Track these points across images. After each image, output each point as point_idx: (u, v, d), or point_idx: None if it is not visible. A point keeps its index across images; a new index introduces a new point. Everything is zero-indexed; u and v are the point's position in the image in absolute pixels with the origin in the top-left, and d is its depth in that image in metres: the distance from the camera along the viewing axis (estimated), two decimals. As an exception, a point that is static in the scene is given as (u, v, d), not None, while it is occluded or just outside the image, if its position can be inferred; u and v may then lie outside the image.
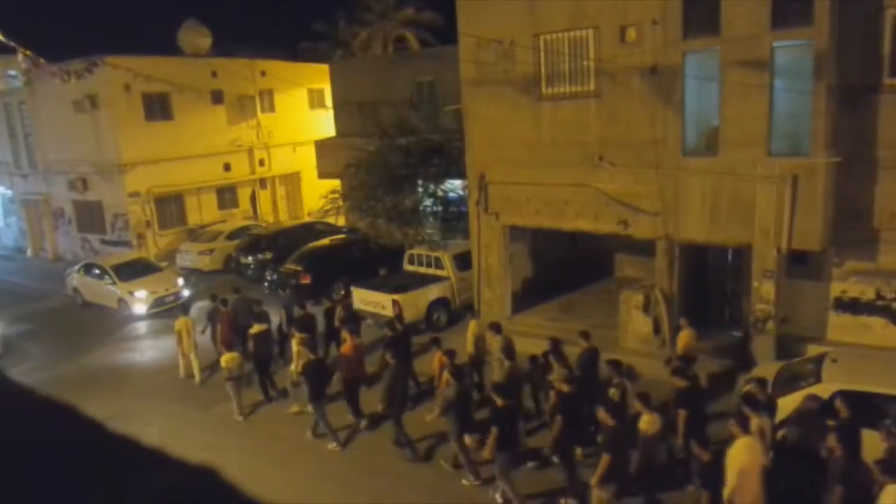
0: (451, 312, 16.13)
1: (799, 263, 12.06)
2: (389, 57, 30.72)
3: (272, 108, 27.97)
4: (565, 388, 9.19)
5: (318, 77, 27.44)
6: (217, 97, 26.04)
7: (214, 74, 25.74)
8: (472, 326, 12.44)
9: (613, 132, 12.71)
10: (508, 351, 10.81)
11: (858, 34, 10.77)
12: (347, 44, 35.94)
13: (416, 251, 17.18)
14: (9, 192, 29.26)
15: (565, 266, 16.74)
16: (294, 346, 12.08)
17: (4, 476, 11.20)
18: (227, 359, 12.43)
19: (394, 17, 35.43)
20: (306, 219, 26.64)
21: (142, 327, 18.24)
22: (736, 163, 11.39)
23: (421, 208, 17.50)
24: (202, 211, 25.82)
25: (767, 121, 11.02)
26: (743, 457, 7.17)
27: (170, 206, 25.09)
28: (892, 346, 11.29)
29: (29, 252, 28.54)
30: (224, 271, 21.90)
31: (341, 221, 21.82)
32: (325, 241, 20.03)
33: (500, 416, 8.73)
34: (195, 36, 27.22)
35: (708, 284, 13.81)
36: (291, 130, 28.15)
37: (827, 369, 9.25)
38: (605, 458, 7.85)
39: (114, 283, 19.18)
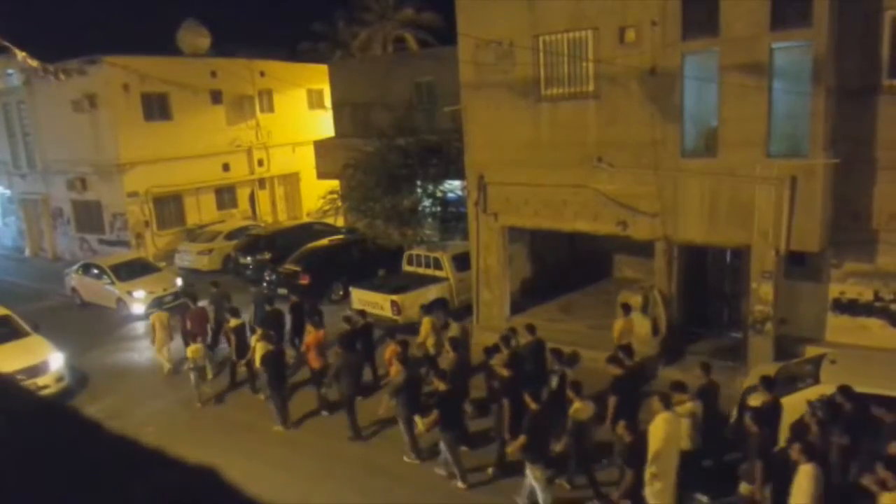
0: (450, 313, 16.11)
1: (797, 264, 12.07)
2: (389, 57, 30.73)
3: (271, 109, 27.95)
4: (505, 372, 10.08)
5: (318, 77, 27.43)
6: (216, 97, 26.02)
7: (213, 74, 25.72)
8: (425, 322, 12.91)
9: (612, 133, 12.71)
10: (454, 342, 11.33)
11: (857, 36, 10.78)
12: (347, 44, 35.95)
13: (414, 252, 17.17)
14: (7, 192, 29.22)
15: (564, 267, 16.75)
16: (253, 341, 12.73)
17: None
18: (192, 350, 13.24)
19: (393, 17, 35.45)
20: (305, 219, 26.60)
21: (140, 327, 18.20)
22: (735, 164, 11.40)
23: (420, 209, 17.51)
24: (201, 211, 25.80)
25: (766, 122, 11.03)
26: (661, 431, 7.79)
27: (168, 206, 25.07)
28: (891, 347, 11.30)
29: (27, 252, 28.50)
30: (223, 271, 21.87)
31: (340, 222, 21.81)
32: (324, 241, 20.02)
33: (442, 400, 9.64)
34: (194, 36, 27.20)
35: (707, 285, 13.82)
36: (290, 131, 28.13)
37: (825, 370, 9.26)
38: (521, 438, 8.63)
39: (112, 283, 19.16)
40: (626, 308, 12.16)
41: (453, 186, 17.70)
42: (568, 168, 13.25)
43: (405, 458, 9.83)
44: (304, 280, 17.78)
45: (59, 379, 13.71)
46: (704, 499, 8.78)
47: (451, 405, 9.69)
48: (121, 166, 23.51)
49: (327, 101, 26.59)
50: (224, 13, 32.63)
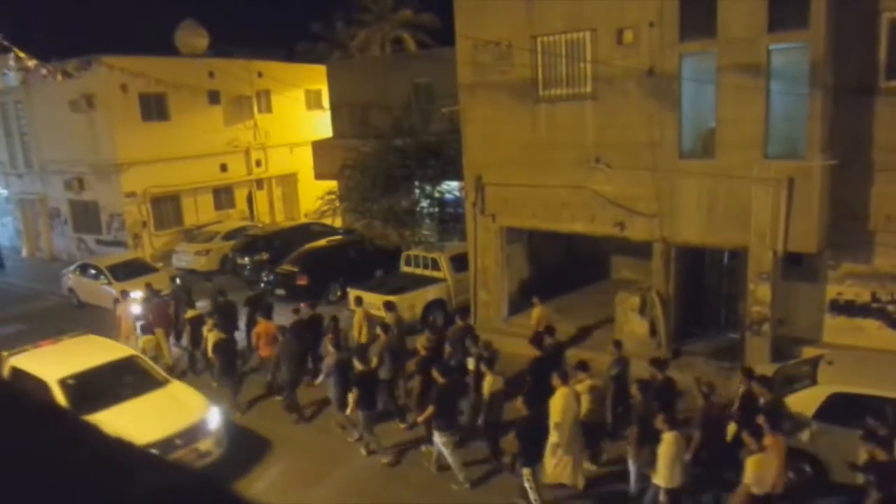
0: (448, 314, 16.12)
1: (795, 266, 12.09)
2: (387, 58, 30.73)
3: (269, 109, 27.92)
4: (423, 351, 11.28)
5: (316, 78, 27.40)
6: (214, 98, 25.99)
7: (211, 75, 25.68)
8: (358, 312, 13.58)
9: (610, 134, 12.72)
10: (385, 327, 12.08)
11: (855, 37, 10.80)
12: (345, 45, 35.95)
13: (412, 252, 17.16)
14: (4, 192, 29.16)
15: (562, 268, 16.75)
16: (205, 331, 13.34)
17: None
18: (145, 340, 14.49)
19: (391, 18, 35.47)
20: (303, 220, 26.55)
21: (138, 327, 18.15)
22: (732, 165, 11.41)
23: (417, 210, 17.52)
24: (198, 211, 25.76)
25: (764, 123, 11.05)
26: (559, 405, 8.79)
27: (166, 207, 25.03)
28: (888, 349, 11.32)
29: (24, 252, 28.45)
30: (220, 272, 21.84)
31: (338, 222, 21.81)
32: (322, 242, 20.00)
33: (359, 381, 10.44)
34: (192, 36, 27.16)
35: (704, 286, 13.83)
36: (288, 131, 28.11)
37: (822, 371, 9.27)
38: (430, 408, 9.61)
39: (109, 283, 19.12)
40: (537, 298, 13.24)
41: (451, 187, 17.70)
42: (566, 169, 13.26)
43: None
44: (302, 281, 17.76)
45: (220, 441, 10.66)
46: (593, 467, 9.78)
47: (368, 385, 10.47)
48: (118, 166, 23.47)
49: (325, 102, 26.58)
50: (222, 13, 32.65)
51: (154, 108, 24.32)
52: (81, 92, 23.23)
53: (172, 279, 17.18)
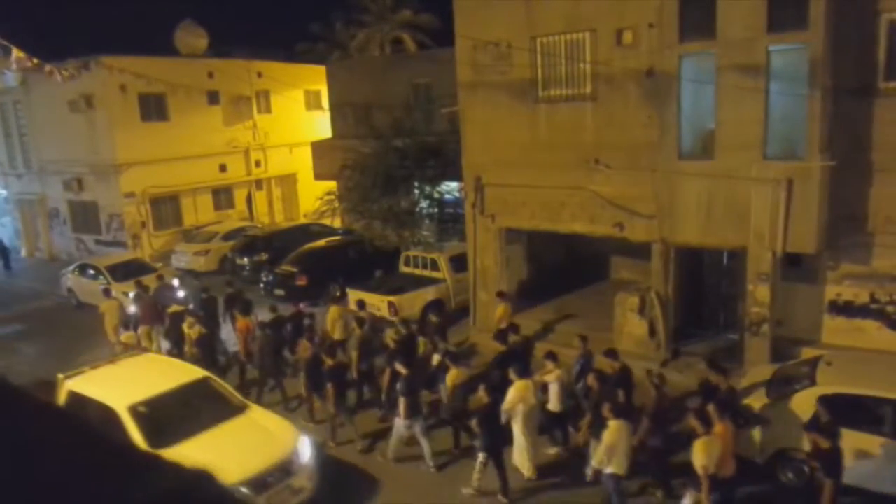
0: (447, 314, 16.11)
1: (794, 266, 12.09)
2: (386, 59, 30.73)
3: (269, 110, 27.94)
4: (391, 344, 12.17)
5: (315, 78, 27.41)
6: (213, 98, 26.00)
7: (211, 75, 25.70)
8: (332, 311, 13.85)
9: (609, 135, 12.73)
10: (359, 321, 12.78)
11: (854, 38, 10.81)
12: (344, 45, 35.95)
13: (411, 253, 17.17)
14: (4, 192, 29.16)
15: (561, 268, 16.75)
16: (185, 327, 13.87)
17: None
18: (126, 337, 14.61)
19: (391, 19, 35.48)
20: (302, 220, 26.55)
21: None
22: (731, 166, 11.42)
23: (417, 210, 17.52)
24: (198, 212, 25.76)
25: (763, 124, 11.05)
26: (511, 395, 9.40)
27: (165, 207, 25.03)
28: (886, 349, 11.32)
29: (24, 252, 28.43)
30: (219, 272, 21.84)
31: (337, 223, 21.80)
32: (321, 242, 20.01)
33: (330, 374, 11.02)
34: (192, 37, 27.17)
35: (703, 287, 13.84)
36: (288, 132, 28.11)
37: (821, 372, 9.27)
38: (402, 400, 10.05)
39: (108, 283, 19.11)
40: (502, 295, 13.75)
41: (451, 188, 17.70)
42: (565, 170, 13.26)
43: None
44: (302, 281, 17.77)
45: (312, 476, 9.45)
46: (553, 450, 10.33)
47: (340, 377, 11.21)
48: (117, 167, 23.47)
49: (325, 102, 26.57)
50: (221, 14, 32.65)
51: (153, 108, 24.32)
52: (80, 92, 23.23)
53: (160, 277, 17.59)
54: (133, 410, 9.21)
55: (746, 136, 11.17)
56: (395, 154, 17.29)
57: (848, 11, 10.65)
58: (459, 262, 16.09)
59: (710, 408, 8.09)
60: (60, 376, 10.36)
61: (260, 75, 27.08)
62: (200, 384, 10.20)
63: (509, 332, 11.99)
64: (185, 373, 10.62)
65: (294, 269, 18.23)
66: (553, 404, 10.11)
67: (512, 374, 9.70)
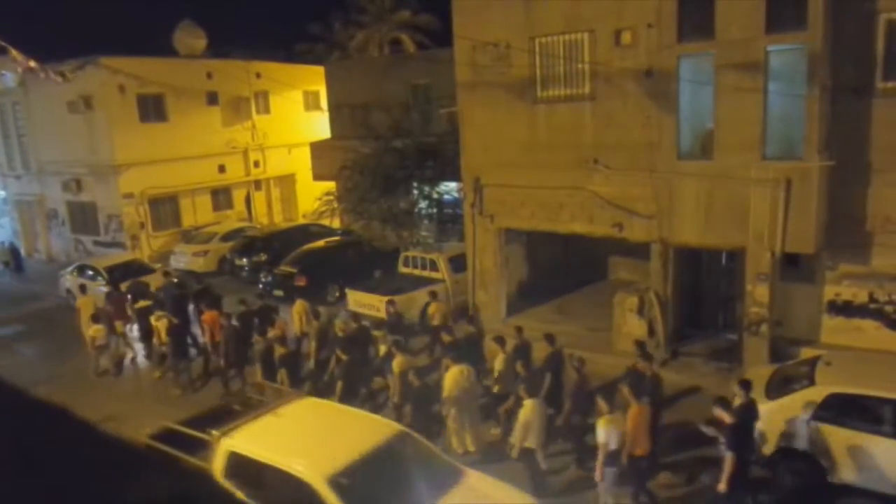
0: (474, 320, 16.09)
1: (793, 266, 12.10)
2: (385, 59, 30.71)
3: (267, 110, 27.92)
4: (340, 333, 12.56)
5: (314, 79, 27.41)
6: (212, 99, 25.98)
7: (209, 76, 25.69)
8: (297, 304, 14.42)
9: (608, 135, 12.74)
10: (316, 313, 13.53)
11: (852, 38, 10.83)
12: (343, 46, 35.94)
13: (410, 253, 17.16)
14: (2, 193, 29.11)
15: (560, 269, 16.75)
16: (153, 321, 14.39)
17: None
18: (94, 330, 14.77)
19: (390, 19, 35.47)
20: (301, 221, 26.55)
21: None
22: (730, 166, 11.43)
23: (416, 210, 17.50)
24: (196, 212, 25.74)
25: (762, 124, 11.07)
26: (448, 381, 10.01)
27: (164, 208, 25.00)
28: (885, 349, 11.34)
29: (22, 253, 28.37)
30: (218, 273, 21.83)
31: (336, 223, 21.79)
32: (320, 243, 19.99)
33: (283, 361, 11.88)
34: (190, 37, 27.16)
35: (702, 287, 13.84)
36: (287, 132, 28.11)
37: (820, 372, 9.28)
38: (339, 384, 10.99)
39: (107, 284, 19.09)
40: (433, 295, 14.27)
41: (450, 188, 17.70)
42: (564, 170, 13.27)
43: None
44: (301, 282, 17.75)
45: None
46: (496, 430, 10.76)
47: (292, 364, 12.14)
48: (116, 167, 23.45)
49: (324, 103, 26.56)
50: (220, 14, 32.64)
51: (152, 109, 24.30)
52: (79, 93, 23.20)
53: (165, 274, 18.27)
54: (334, 483, 7.04)
55: (745, 137, 11.18)
56: (394, 154, 17.29)
57: (846, 11, 10.68)
58: (458, 263, 16.09)
59: (625, 390, 8.68)
60: (216, 433, 8.09)
61: (259, 76, 27.07)
62: (401, 441, 8.04)
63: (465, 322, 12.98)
64: (374, 426, 8.42)
65: (293, 269, 18.21)
66: (497, 387, 10.80)
67: (447, 362, 10.46)
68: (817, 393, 8.86)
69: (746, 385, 8.73)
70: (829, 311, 12.20)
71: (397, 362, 10.88)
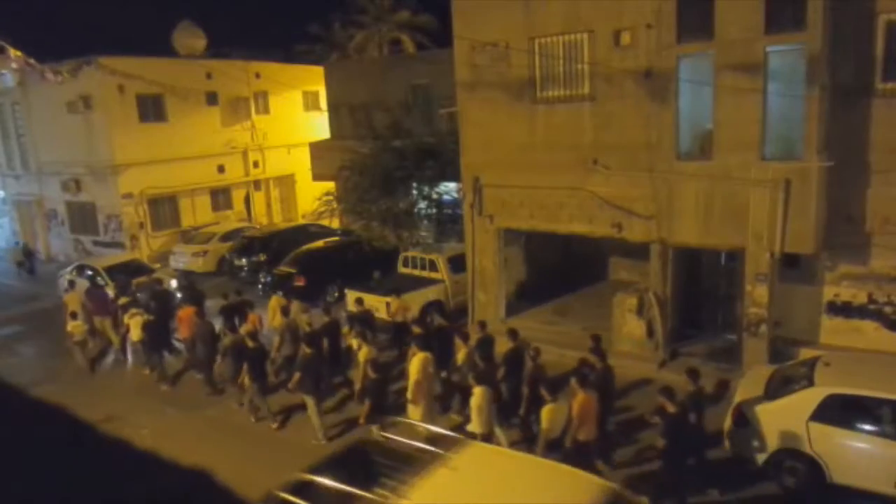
0: (446, 315, 16.09)
1: (792, 267, 12.11)
2: (385, 59, 30.73)
3: (267, 110, 27.94)
4: (306, 328, 13.22)
5: (313, 79, 27.44)
6: (211, 99, 26.00)
7: (209, 76, 25.70)
8: (272, 300, 14.87)
9: (608, 135, 12.74)
10: (284, 309, 14.18)
11: (851, 39, 10.83)
12: (343, 46, 35.97)
13: (410, 254, 17.16)
14: (1, 193, 29.11)
15: (559, 269, 16.75)
16: (126, 318, 14.90)
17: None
18: (73, 326, 15.22)
19: (389, 19, 35.49)
20: (300, 221, 26.56)
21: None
22: (730, 166, 11.43)
23: (415, 211, 17.51)
24: (196, 212, 25.75)
25: (761, 125, 11.07)
26: (414, 368, 10.39)
27: (163, 208, 25.02)
28: (884, 350, 11.35)
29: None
30: (218, 273, 21.82)
31: (335, 224, 21.80)
32: (320, 243, 19.99)
33: (250, 356, 12.02)
34: (190, 37, 27.18)
35: (701, 288, 13.84)
36: (286, 132, 28.13)
37: (819, 373, 9.27)
38: (296, 375, 11.33)
39: (106, 284, 19.10)
40: (397, 292, 14.61)
41: (449, 188, 17.70)
42: (563, 170, 13.27)
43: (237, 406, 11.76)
44: (300, 282, 17.74)
45: None
46: (457, 417, 11.17)
47: (258, 360, 12.13)
48: (115, 168, 23.46)
49: (323, 103, 26.58)
50: (220, 15, 32.64)
51: (151, 109, 24.31)
52: (79, 93, 23.22)
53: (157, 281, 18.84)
54: None
55: (744, 137, 11.18)
56: (394, 155, 17.28)
57: (845, 12, 10.68)
58: (458, 263, 16.08)
59: (572, 380, 9.00)
60: (387, 495, 6.59)
61: (258, 76, 27.10)
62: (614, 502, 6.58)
63: (435, 317, 13.55)
64: (576, 484, 6.80)
65: (292, 269, 18.21)
66: (456, 377, 11.40)
67: (413, 350, 10.86)
68: (816, 394, 8.86)
69: (694, 374, 9.13)
70: (829, 312, 12.20)
71: (362, 353, 11.30)
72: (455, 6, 14.24)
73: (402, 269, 17.24)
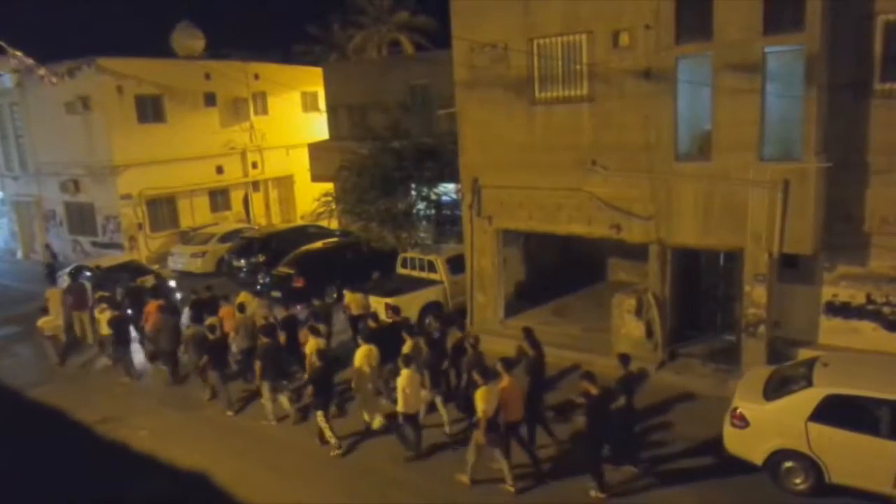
0: (444, 316, 16.08)
1: (790, 268, 12.11)
2: (383, 60, 30.73)
3: (265, 111, 27.93)
4: (262, 321, 13.58)
5: (312, 80, 27.44)
6: (210, 100, 25.99)
7: (207, 77, 25.69)
8: (241, 296, 15.28)
9: (606, 136, 12.74)
10: (241, 307, 14.53)
11: (850, 39, 10.84)
12: (341, 47, 35.96)
13: (409, 254, 17.14)
14: (0, 194, 29.08)
15: (558, 270, 16.75)
16: (97, 313, 15.47)
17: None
18: (43, 321, 15.82)
19: (388, 20, 35.48)
20: (299, 222, 26.53)
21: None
22: (728, 167, 11.43)
23: (414, 212, 17.49)
24: (194, 213, 25.73)
25: (759, 125, 11.07)
26: (356, 359, 11.49)
27: (162, 209, 24.99)
28: (882, 350, 11.35)
29: (20, 254, 28.37)
30: (216, 274, 21.79)
31: (334, 224, 21.77)
32: (318, 244, 19.96)
33: (209, 347, 12.76)
34: (188, 38, 27.16)
35: (700, 288, 13.84)
36: (285, 133, 28.12)
37: (818, 373, 9.28)
38: (258, 365, 12.07)
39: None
40: (351, 287, 15.27)
41: (448, 189, 17.68)
42: (562, 171, 13.27)
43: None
44: (299, 283, 17.71)
45: None
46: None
47: (218, 351, 12.89)
48: (114, 168, 23.44)
49: (322, 104, 26.55)
50: (218, 15, 32.63)
51: (150, 110, 24.29)
52: (77, 94, 23.20)
53: (97, 268, 19.42)
54: None
55: (743, 138, 11.18)
56: (393, 155, 17.27)
57: (844, 13, 10.69)
58: (456, 264, 16.07)
59: (498, 365, 9.73)
60: None
61: (257, 77, 27.10)
62: None
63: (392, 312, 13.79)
64: None
65: (291, 270, 18.18)
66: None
67: (360, 341, 11.82)
68: (815, 394, 8.86)
69: (625, 359, 9.92)
70: (827, 313, 12.21)
71: (310, 345, 11.95)
72: (454, 7, 14.25)
73: (400, 270, 17.23)
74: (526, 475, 9.82)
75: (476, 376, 9.68)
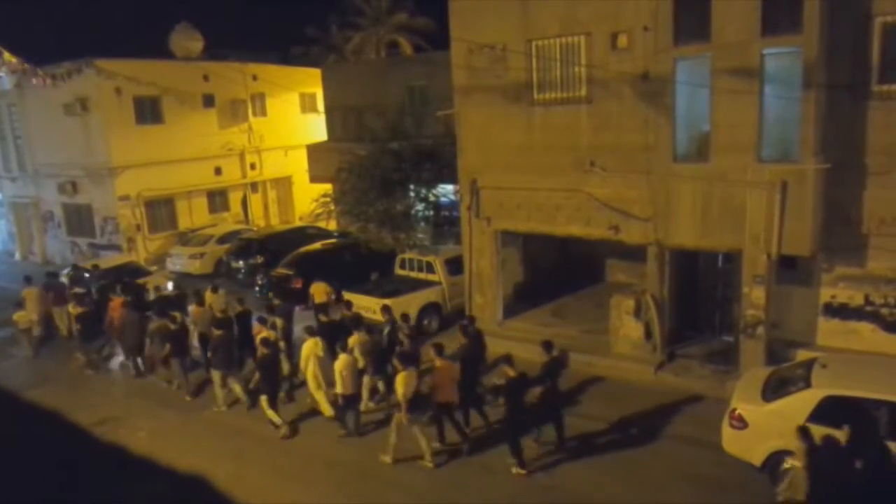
0: (443, 317, 16.10)
1: (789, 269, 12.12)
2: (382, 62, 30.74)
3: (264, 112, 27.92)
4: (219, 314, 14.07)
5: (311, 81, 27.44)
6: (208, 101, 25.97)
7: (206, 78, 25.67)
8: (207, 293, 15.72)
9: (605, 138, 12.75)
10: (199, 301, 15.08)
11: (848, 41, 10.85)
12: (340, 48, 35.95)
13: (407, 256, 17.15)
14: (-2, 195, 29.05)
15: (557, 271, 16.76)
16: (70, 308, 16.39)
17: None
18: (18, 315, 16.51)
19: (387, 22, 35.48)
20: (297, 223, 26.54)
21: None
22: (726, 169, 11.45)
23: (412, 213, 17.47)
24: (193, 215, 25.71)
25: (757, 127, 11.09)
26: (305, 351, 12.17)
27: (160, 210, 24.96)
28: (881, 351, 11.36)
29: (17, 255, 28.31)
30: (214, 275, 21.77)
31: (332, 226, 21.76)
32: (317, 245, 19.96)
33: (170, 337, 13.65)
34: (187, 39, 27.13)
35: (698, 290, 13.85)
36: (283, 134, 28.11)
37: (816, 374, 9.28)
38: (209, 354, 13.03)
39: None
40: (339, 292, 15.40)
41: (446, 190, 17.67)
42: (561, 172, 13.28)
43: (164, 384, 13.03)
44: (297, 284, 17.69)
45: None
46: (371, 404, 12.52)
47: (178, 340, 13.70)
48: (112, 170, 23.41)
49: (320, 105, 26.57)
50: (217, 17, 32.58)
51: (148, 111, 24.27)
52: (75, 95, 23.16)
53: (76, 267, 20.31)
54: None
55: (741, 139, 11.20)
56: (391, 157, 17.26)
57: (842, 14, 10.70)
58: (455, 265, 16.07)
59: (430, 350, 10.69)
60: None
61: (255, 78, 27.08)
62: None
63: (343, 308, 14.14)
64: None
65: (289, 271, 18.17)
66: (360, 362, 12.43)
67: (305, 335, 12.60)
68: (813, 395, 8.87)
69: (548, 345, 10.65)
70: (825, 314, 12.22)
71: (260, 337, 12.69)
72: (452, 8, 14.26)
73: (399, 272, 17.24)
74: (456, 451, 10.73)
75: (395, 362, 10.75)
